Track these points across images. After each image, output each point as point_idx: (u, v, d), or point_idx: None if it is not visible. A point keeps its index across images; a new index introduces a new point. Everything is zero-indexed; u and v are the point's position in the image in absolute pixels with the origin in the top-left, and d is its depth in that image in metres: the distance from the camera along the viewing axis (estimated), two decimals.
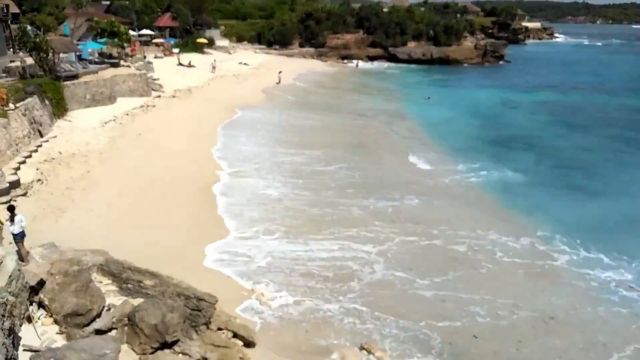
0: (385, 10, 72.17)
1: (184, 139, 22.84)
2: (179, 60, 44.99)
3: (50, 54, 24.85)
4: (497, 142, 27.15)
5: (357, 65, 63.47)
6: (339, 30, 68.45)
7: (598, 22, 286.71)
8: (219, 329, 9.35)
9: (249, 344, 9.43)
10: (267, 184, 18.47)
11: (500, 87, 47.44)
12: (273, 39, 68.04)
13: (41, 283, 8.68)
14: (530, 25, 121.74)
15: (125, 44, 37.19)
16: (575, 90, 46.19)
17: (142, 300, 9.14)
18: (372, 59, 67.32)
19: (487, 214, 16.83)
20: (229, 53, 57.51)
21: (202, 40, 55.22)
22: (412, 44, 68.54)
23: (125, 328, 8.56)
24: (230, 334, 9.37)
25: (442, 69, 62.29)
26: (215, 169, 19.54)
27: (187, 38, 55.81)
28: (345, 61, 66.29)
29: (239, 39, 68.87)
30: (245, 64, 51.49)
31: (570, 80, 52.65)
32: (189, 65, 43.87)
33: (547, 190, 19.33)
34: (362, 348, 9.89)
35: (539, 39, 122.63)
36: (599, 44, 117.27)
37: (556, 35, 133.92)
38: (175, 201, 15.81)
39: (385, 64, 65.74)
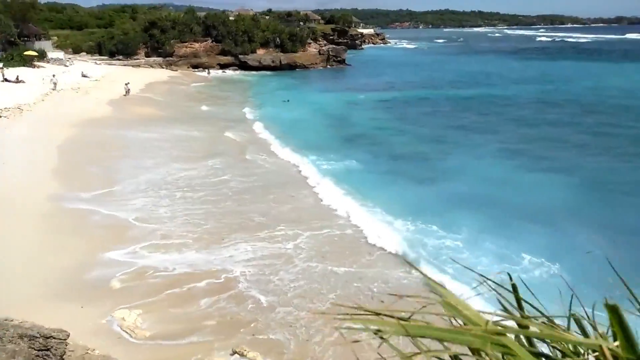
0: (231, 18, 72.67)
1: (16, 164, 20.65)
2: (3, 75, 40.06)
3: None
4: (345, 138, 29.41)
5: (208, 73, 63.09)
6: (187, 39, 67.13)
7: (421, 27, 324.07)
8: None
9: None
10: (135, 202, 17.77)
11: (345, 89, 51.22)
12: (115, 49, 64.05)
13: None
14: (365, 31, 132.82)
15: None
16: (407, 88, 51.79)
17: None
18: (223, 67, 67.36)
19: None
20: (65, 65, 52.78)
21: (30, 52, 49.83)
22: (261, 51, 70.20)
23: None
24: None
25: (291, 74, 65.04)
26: (60, 191, 18.13)
27: (12, 51, 49.85)
28: (196, 70, 65.34)
29: (76, 50, 63.54)
30: (85, 76, 47.77)
31: (402, 79, 58.92)
32: (17, 81, 39.37)
33: (389, 178, 21.59)
34: (234, 352, 10.15)
35: (374, 43, 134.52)
36: (424, 47, 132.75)
37: (388, 40, 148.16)
38: (14, 232, 14.39)
39: (238, 72, 66.40)
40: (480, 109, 38.98)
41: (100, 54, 63.93)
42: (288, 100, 42.65)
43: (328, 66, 72.97)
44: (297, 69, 69.52)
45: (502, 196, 19.17)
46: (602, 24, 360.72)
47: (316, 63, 72.61)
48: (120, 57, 63.49)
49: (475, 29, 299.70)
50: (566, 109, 38.02)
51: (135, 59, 63.79)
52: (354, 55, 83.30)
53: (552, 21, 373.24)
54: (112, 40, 64.30)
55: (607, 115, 35.24)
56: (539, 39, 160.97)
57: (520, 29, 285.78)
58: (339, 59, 74.58)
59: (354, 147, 27.21)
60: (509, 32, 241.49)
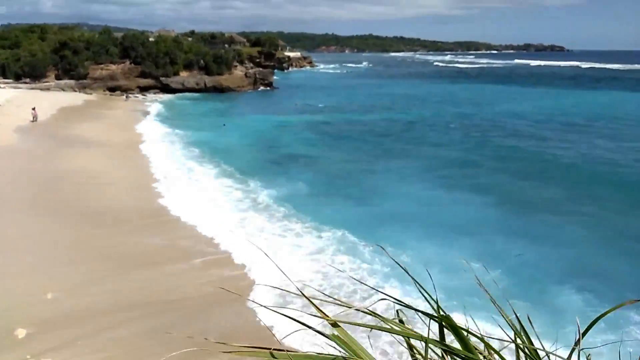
0: (151, 39, 70.11)
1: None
2: None
3: None
4: (278, 161, 29.30)
5: (127, 98, 59.68)
6: (103, 61, 63.67)
7: (346, 51, 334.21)
8: None
9: None
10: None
11: (275, 112, 50.74)
12: (21, 71, 59.41)
13: None
14: (291, 54, 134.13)
15: None
16: (333, 111, 52.53)
17: None
18: (143, 89, 64.31)
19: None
20: None
21: None
22: (184, 74, 68.10)
23: None
24: None
25: (218, 97, 63.41)
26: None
27: None
28: (113, 93, 61.88)
29: None
30: None
31: (327, 102, 59.46)
32: None
33: (327, 199, 21.65)
34: None
35: (301, 67, 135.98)
36: (346, 71, 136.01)
37: (315, 63, 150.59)
38: None
39: (160, 95, 63.41)
40: (396, 131, 40.48)
41: (5, 77, 58.98)
42: (224, 125, 42.09)
43: (255, 89, 72.30)
44: (223, 92, 68.04)
45: (431, 213, 19.88)
46: (512, 50, 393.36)
47: (243, 86, 71.68)
48: (27, 80, 58.93)
49: (397, 54, 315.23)
50: (465, 130, 40.42)
51: (44, 82, 59.46)
52: (281, 79, 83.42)
53: (468, 47, 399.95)
54: (18, 62, 59.63)
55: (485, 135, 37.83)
56: (435, 63, 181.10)
57: (436, 54, 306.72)
58: (266, 82, 74.22)
59: (292, 168, 27.06)
60: (419, 56, 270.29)
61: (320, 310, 1.21)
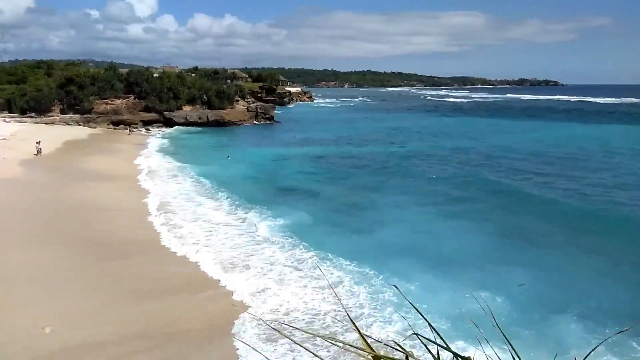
0: (155, 75, 71.61)
1: None
2: None
3: None
4: (281, 193, 29.59)
5: (130, 132, 60.26)
6: (108, 96, 64.79)
7: (345, 86, 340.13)
8: None
9: None
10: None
11: (276, 145, 51.74)
12: (27, 105, 60.39)
13: None
14: (292, 89, 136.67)
15: None
16: (331, 144, 53.45)
17: None
18: (147, 123, 65.15)
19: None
20: None
21: None
22: (187, 108, 69.22)
23: None
24: None
25: (220, 130, 64.30)
26: None
27: None
28: (117, 127, 62.62)
29: None
30: None
31: (327, 135, 60.59)
32: None
33: (331, 229, 21.93)
34: None
35: (301, 101, 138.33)
36: (344, 105, 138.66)
37: (315, 98, 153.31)
38: None
39: (163, 129, 64.04)
40: (392, 164, 40.86)
41: (10, 111, 59.93)
42: (228, 157, 42.99)
43: (257, 123, 73.28)
44: (225, 125, 68.91)
45: (432, 244, 20.18)
46: (507, 85, 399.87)
47: (244, 120, 72.70)
48: (33, 114, 59.82)
49: (394, 89, 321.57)
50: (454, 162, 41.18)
51: (49, 116, 60.34)
52: (282, 113, 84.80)
53: (464, 82, 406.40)
54: (24, 96, 60.69)
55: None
56: (429, 98, 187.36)
57: (431, 89, 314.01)
58: (267, 116, 75.39)
59: (295, 200, 27.34)
60: (415, 91, 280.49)
61: (367, 342, 1.22)
